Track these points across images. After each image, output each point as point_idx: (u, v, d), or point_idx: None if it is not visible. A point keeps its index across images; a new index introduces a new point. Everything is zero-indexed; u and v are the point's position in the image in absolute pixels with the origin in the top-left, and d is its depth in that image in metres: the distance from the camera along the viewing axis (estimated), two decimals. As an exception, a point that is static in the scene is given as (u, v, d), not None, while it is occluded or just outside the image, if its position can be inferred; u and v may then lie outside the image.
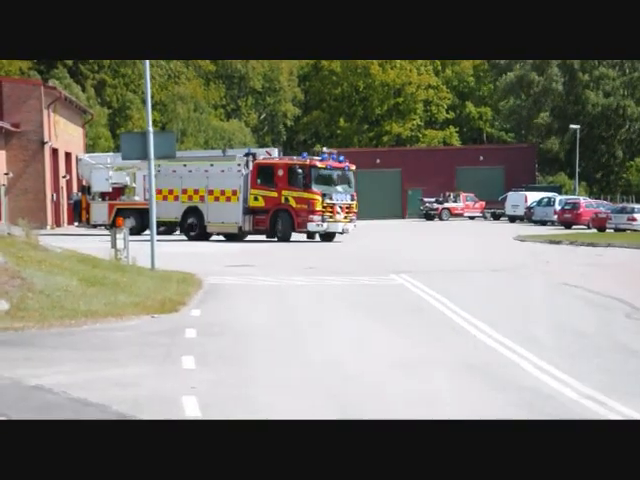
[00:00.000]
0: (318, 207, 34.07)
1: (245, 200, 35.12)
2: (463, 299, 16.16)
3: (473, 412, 8.41)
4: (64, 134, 49.62)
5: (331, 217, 34.28)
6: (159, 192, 36.47)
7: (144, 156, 20.48)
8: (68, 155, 51.45)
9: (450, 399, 8.90)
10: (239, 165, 35.70)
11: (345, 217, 34.84)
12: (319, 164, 34.73)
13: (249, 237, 36.50)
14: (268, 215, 34.77)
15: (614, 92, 70.82)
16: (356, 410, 8.43)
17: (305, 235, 35.46)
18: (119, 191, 41.89)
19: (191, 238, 35.95)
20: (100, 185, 41.76)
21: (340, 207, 34.69)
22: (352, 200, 35.67)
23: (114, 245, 21.56)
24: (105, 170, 42.02)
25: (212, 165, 36.28)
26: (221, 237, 36.85)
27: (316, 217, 34.00)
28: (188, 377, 9.70)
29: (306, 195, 34.21)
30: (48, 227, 43.34)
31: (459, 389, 9.34)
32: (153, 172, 20.84)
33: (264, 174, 34.92)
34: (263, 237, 35.61)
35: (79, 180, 54.60)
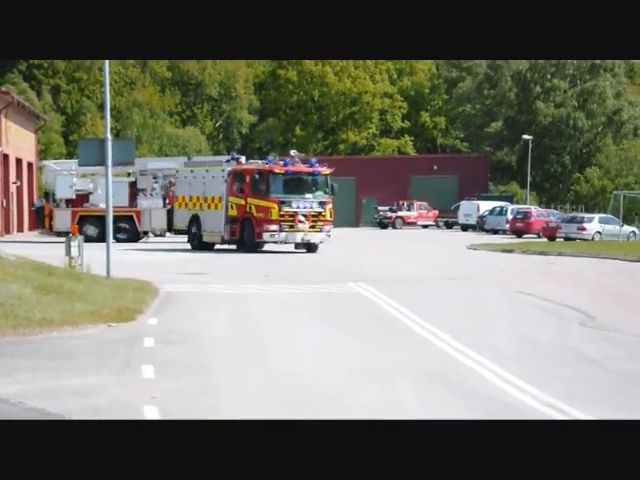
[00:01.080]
0: (274, 216, 31.62)
1: (226, 208, 33.51)
2: (421, 307, 16.21)
3: (433, 418, 8.43)
4: (16, 140, 49.06)
5: (291, 227, 31.76)
6: (177, 199, 37.20)
7: (102, 162, 20.25)
8: (19, 161, 50.89)
9: (412, 407, 8.91)
10: (223, 171, 34.20)
11: (313, 226, 32.10)
12: (277, 169, 32.27)
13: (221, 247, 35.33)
14: (238, 224, 32.96)
15: (565, 103, 71.69)
16: (317, 417, 8.41)
17: (292, 246, 33.25)
18: (83, 198, 41.39)
19: (194, 248, 34.60)
20: (64, 192, 41.17)
21: (304, 215, 31.96)
22: (322, 207, 32.45)
23: (68, 253, 21.29)
24: (69, 176, 41.40)
25: (207, 171, 35.19)
26: (224, 247, 35.03)
27: (272, 227, 31.65)
28: (148, 386, 9.61)
29: (263, 203, 31.96)
30: (-2, 233, 42.84)
31: (421, 397, 9.36)
32: (110, 180, 20.56)
33: (238, 181, 33.11)
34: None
35: (31, 186, 54.08)
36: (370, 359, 11.52)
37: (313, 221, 32.11)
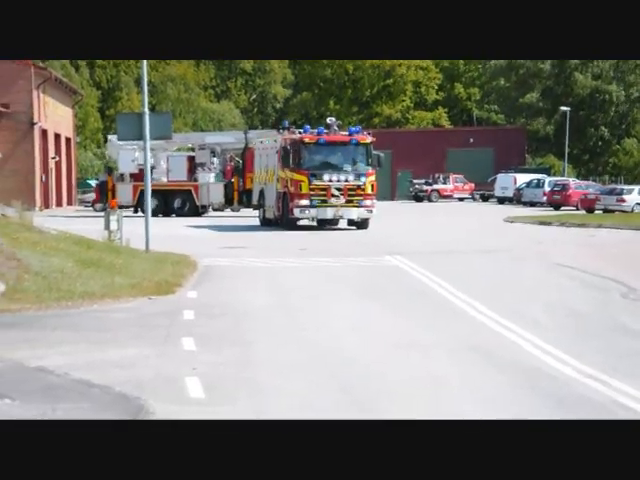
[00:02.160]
0: (304, 190, 29.38)
1: (276, 182, 31.77)
2: (459, 280, 16.16)
3: (477, 393, 8.44)
4: (54, 115, 49.40)
5: (324, 201, 29.44)
6: (252, 173, 36.16)
7: (140, 137, 20.39)
8: (57, 136, 51.27)
9: (454, 381, 8.91)
10: (275, 142, 32.40)
11: (350, 201, 29.51)
12: (307, 139, 29.82)
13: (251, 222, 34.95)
14: (280, 200, 31.07)
15: (602, 75, 70.86)
16: (359, 392, 8.44)
17: (345, 222, 30.99)
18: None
19: (261, 224, 33.31)
20: (126, 166, 41.28)
21: (338, 189, 29.46)
22: (360, 180, 29.73)
23: (108, 227, 21.46)
24: (132, 151, 41.21)
25: (268, 142, 33.85)
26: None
27: (302, 202, 29.45)
28: (189, 358, 9.68)
29: (295, 176, 29.75)
30: (37, 209, 43.21)
31: (463, 372, 9.34)
32: (149, 153, 20.70)
33: (283, 153, 30.63)
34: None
35: (69, 161, 54.37)
36: (410, 332, 11.51)
37: (350, 195, 29.42)
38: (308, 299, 14.49)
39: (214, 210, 41.03)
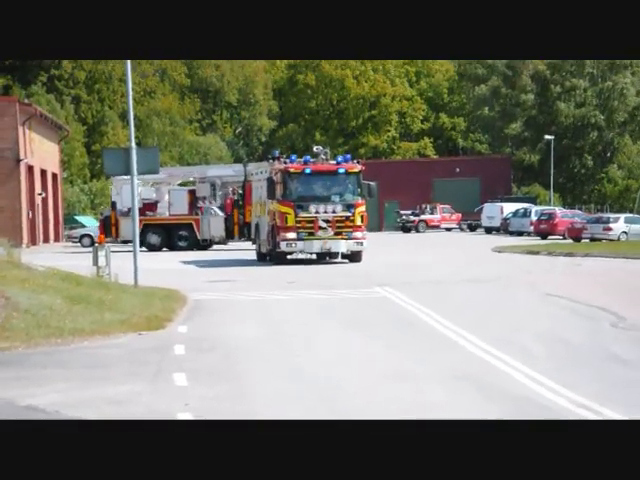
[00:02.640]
0: (290, 222, 28.04)
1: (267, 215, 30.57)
2: (450, 310, 16.18)
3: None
4: (40, 151, 49.38)
5: (311, 234, 28.13)
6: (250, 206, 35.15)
7: (127, 171, 20.38)
8: (44, 172, 51.22)
9: (444, 410, 8.90)
10: (265, 172, 31.08)
11: (338, 233, 28.17)
12: (292, 169, 28.49)
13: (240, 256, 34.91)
14: (269, 233, 29.85)
15: (586, 103, 71.36)
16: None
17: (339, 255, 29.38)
18: (149, 207, 41.51)
19: (257, 258, 31.86)
20: (129, 200, 41.31)
21: (326, 221, 28.12)
22: (349, 211, 28.35)
23: (96, 262, 21.42)
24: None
25: (261, 173, 32.33)
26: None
27: (289, 235, 28.06)
28: (182, 394, 9.66)
29: (281, 208, 28.39)
30: (24, 245, 43.03)
31: (454, 401, 9.34)
32: (136, 188, 20.69)
33: (269, 184, 29.28)
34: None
35: (56, 197, 54.21)
36: (400, 362, 11.51)
37: (338, 227, 28.11)
38: (298, 332, 14.48)
39: (215, 244, 40.87)
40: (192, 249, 39.35)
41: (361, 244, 28.65)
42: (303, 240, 28.17)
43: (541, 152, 71.59)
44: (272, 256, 29.58)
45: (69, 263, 25.52)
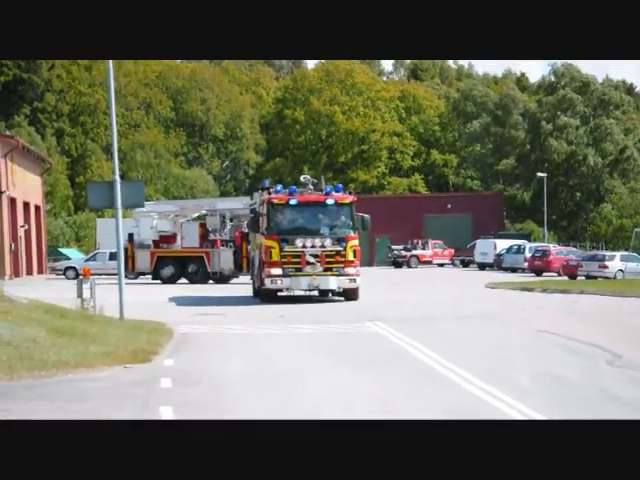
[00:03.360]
0: (274, 257, 25.96)
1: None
2: (442, 347, 15.90)
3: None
4: (22, 183, 49.11)
5: (298, 269, 26.04)
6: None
7: (111, 204, 20.18)
8: (26, 204, 50.99)
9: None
10: (255, 203, 30.03)
11: (328, 269, 26.12)
12: (276, 200, 26.54)
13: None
14: (258, 268, 28.19)
15: (577, 141, 71.65)
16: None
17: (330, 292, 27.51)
18: (166, 239, 41.37)
19: (254, 294, 29.98)
20: (146, 233, 41.49)
21: (314, 255, 26.06)
22: (340, 245, 26.32)
23: (80, 294, 21.17)
24: (150, 218, 41.81)
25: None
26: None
27: (273, 271, 25.97)
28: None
29: (265, 242, 26.49)
30: (6, 277, 42.62)
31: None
32: (121, 222, 20.44)
33: (253, 216, 28.56)
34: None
35: (39, 229, 53.83)
36: (392, 397, 11.25)
37: (328, 262, 26.03)
38: (286, 366, 14.25)
39: (226, 277, 40.19)
40: (201, 282, 38.95)
41: (354, 280, 26.39)
42: (289, 276, 25.94)
43: (533, 189, 71.72)
44: (259, 293, 27.79)
45: (53, 295, 25.24)
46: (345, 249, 26.22)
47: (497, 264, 53.36)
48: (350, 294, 26.87)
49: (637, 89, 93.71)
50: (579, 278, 41.76)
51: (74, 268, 44.92)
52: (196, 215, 45.73)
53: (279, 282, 26.01)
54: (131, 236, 41.40)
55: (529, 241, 57.69)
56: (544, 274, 46.03)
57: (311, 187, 27.53)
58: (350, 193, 28.10)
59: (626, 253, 45.59)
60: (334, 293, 27.32)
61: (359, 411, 10.37)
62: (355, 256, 26.47)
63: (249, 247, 35.81)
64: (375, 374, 13.26)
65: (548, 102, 72.82)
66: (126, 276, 37.42)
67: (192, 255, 39.97)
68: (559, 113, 72.54)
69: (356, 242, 26.58)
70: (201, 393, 11.61)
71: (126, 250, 40.73)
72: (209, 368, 13.83)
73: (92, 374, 13.12)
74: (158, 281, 39.91)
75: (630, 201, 62.38)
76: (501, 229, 67.85)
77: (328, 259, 26.03)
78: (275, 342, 17.46)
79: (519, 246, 52.16)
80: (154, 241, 41.23)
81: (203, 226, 41.09)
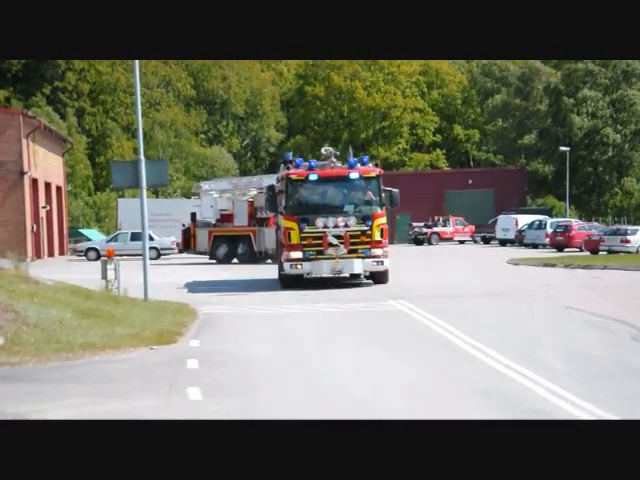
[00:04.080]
0: (294, 240, 23.72)
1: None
2: (468, 325, 15.89)
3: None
4: (44, 164, 49.19)
5: (319, 252, 23.72)
6: None
7: (136, 184, 20.25)
8: (48, 185, 51.07)
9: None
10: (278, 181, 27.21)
11: (353, 250, 23.81)
12: (295, 175, 24.15)
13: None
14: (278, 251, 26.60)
15: (597, 114, 71.04)
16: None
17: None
18: (227, 217, 40.58)
19: (279, 279, 26.95)
20: (207, 212, 41.16)
21: (337, 236, 23.71)
22: (366, 224, 23.95)
23: (105, 276, 21.28)
24: (210, 197, 41.43)
25: None
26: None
27: (293, 254, 23.74)
28: (197, 408, 9.45)
29: (284, 223, 24.38)
30: (28, 259, 42.83)
31: (476, 416, 9.05)
32: (145, 201, 20.50)
33: (271, 195, 25.94)
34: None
35: (60, 210, 53.94)
36: (421, 378, 11.26)
37: (352, 244, 23.72)
38: (311, 345, 14.31)
39: (270, 255, 38.33)
40: (249, 262, 38.22)
41: (381, 263, 24.02)
42: (310, 260, 23.71)
43: (555, 163, 71.26)
44: (280, 278, 25.63)
45: (76, 277, 25.38)
46: (371, 228, 23.81)
47: (519, 240, 53.16)
48: (378, 277, 24.78)
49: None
50: (601, 253, 41.54)
51: (95, 249, 44.96)
52: (252, 192, 43.64)
53: (299, 267, 23.76)
54: (193, 215, 40.90)
55: (550, 216, 57.37)
56: (566, 249, 45.80)
57: (334, 160, 25.07)
58: (377, 165, 25.65)
59: (649, 227, 45.32)
60: (366, 277, 25.34)
61: (387, 391, 10.41)
62: (382, 236, 24.08)
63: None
64: (401, 354, 13.26)
65: (570, 74, 72.23)
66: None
67: (241, 234, 39.30)
68: (581, 85, 71.93)
69: (383, 220, 24.22)
70: (228, 374, 11.66)
71: (188, 230, 40.55)
72: (234, 349, 13.90)
73: (118, 355, 13.21)
74: (213, 261, 39.15)
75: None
76: (523, 204, 67.47)
77: (353, 240, 23.72)
78: (299, 322, 17.47)
79: (540, 222, 51.89)
80: (217, 220, 40.60)
81: (252, 204, 40.09)
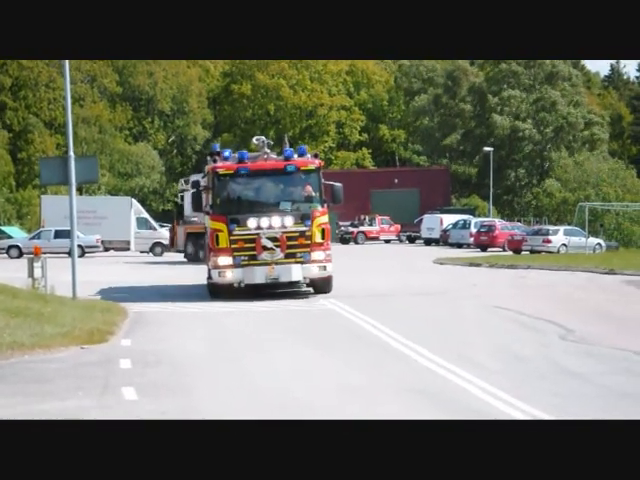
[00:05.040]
0: (222, 243, 20.60)
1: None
2: (397, 323, 16.03)
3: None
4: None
5: (252, 257, 20.54)
6: None
7: (65, 181, 19.96)
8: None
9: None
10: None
11: (291, 254, 20.71)
12: (221, 169, 21.08)
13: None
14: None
15: (520, 114, 72.23)
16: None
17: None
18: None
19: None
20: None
21: (272, 239, 20.55)
22: (305, 224, 20.85)
23: (31, 274, 20.94)
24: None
25: None
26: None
27: (220, 260, 20.60)
28: (133, 408, 9.37)
29: (210, 224, 21.33)
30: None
31: (411, 415, 9.15)
32: (75, 198, 20.14)
33: (195, 191, 22.93)
34: None
35: None
36: (352, 377, 11.32)
37: (290, 247, 20.69)
38: (244, 344, 14.32)
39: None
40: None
41: (324, 268, 21.11)
42: (241, 266, 20.55)
43: (479, 164, 72.28)
44: (208, 287, 22.17)
45: (1, 275, 24.88)
46: (311, 228, 20.84)
47: (444, 240, 53.75)
48: (320, 285, 21.65)
49: (587, 68, 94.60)
50: (523, 253, 42.27)
51: (17, 247, 44.14)
52: None
53: (228, 274, 20.61)
54: (180, 213, 39.22)
55: (474, 216, 58.13)
56: (489, 249, 46.50)
57: (267, 151, 21.99)
58: (316, 156, 22.37)
59: (569, 227, 46.31)
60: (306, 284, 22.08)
61: (321, 389, 10.47)
62: (324, 237, 21.10)
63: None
64: (335, 352, 13.32)
65: (495, 75, 73.31)
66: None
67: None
68: (505, 86, 73.06)
69: (325, 219, 21.26)
70: (162, 373, 11.60)
71: (172, 228, 39.22)
72: (167, 347, 13.82)
73: (49, 355, 13.01)
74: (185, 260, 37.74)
75: (576, 173, 62.97)
76: (447, 204, 68.28)
77: (290, 242, 20.69)
78: (231, 320, 17.48)
79: (465, 221, 52.57)
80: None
81: None
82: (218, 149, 22.69)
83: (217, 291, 21.41)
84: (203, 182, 23.57)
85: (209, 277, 21.61)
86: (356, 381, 11.00)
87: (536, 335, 15.00)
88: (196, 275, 25.85)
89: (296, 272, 20.79)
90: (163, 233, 47.17)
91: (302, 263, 20.79)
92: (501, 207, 72.33)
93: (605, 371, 11.96)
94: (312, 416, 9.05)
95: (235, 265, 20.59)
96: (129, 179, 75.41)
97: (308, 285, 21.99)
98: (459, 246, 50.45)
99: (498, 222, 51.43)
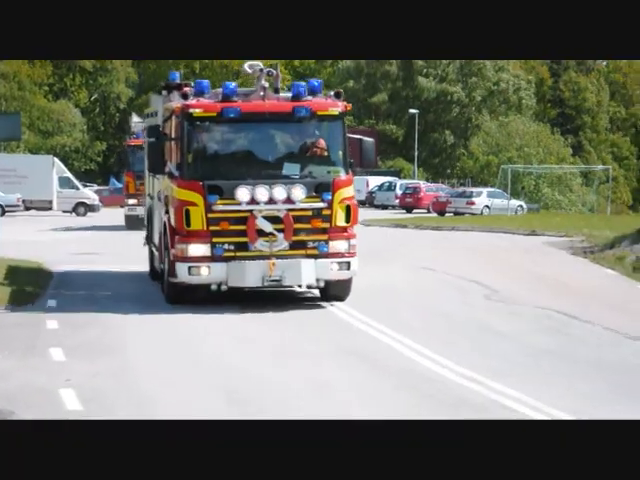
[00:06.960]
0: (195, 224, 13.47)
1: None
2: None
3: (364, 397, 8.40)
4: None
5: (240, 246, 13.43)
6: None
7: (-15, 138, 19.48)
8: None
9: (340, 386, 8.84)
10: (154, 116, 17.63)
11: (299, 242, 13.55)
12: (198, 110, 13.80)
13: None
14: (161, 238, 15.32)
15: (447, 78, 72.66)
16: (246, 396, 8.36)
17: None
18: None
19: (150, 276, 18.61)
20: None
21: (272, 219, 13.43)
22: (322, 198, 13.59)
23: (-46, 234, 20.41)
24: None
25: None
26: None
27: (192, 249, 13.42)
28: (61, 369, 9.33)
29: (178, 193, 13.78)
30: None
31: (346, 376, 9.28)
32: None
33: (155, 141, 15.07)
34: None
35: None
36: (288, 341, 11.36)
37: (298, 231, 13.61)
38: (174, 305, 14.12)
39: None
40: None
41: (347, 266, 13.78)
42: (224, 260, 13.42)
43: (405, 126, 72.60)
44: (166, 289, 14.47)
45: None
46: (331, 205, 13.70)
47: (369, 201, 54.00)
48: (335, 291, 14.25)
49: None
50: (448, 215, 42.79)
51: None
52: None
53: (204, 271, 13.42)
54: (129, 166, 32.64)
55: (399, 178, 58.49)
56: (414, 211, 46.94)
57: (265, 85, 14.32)
58: (338, 96, 14.56)
59: (492, 189, 47.00)
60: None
61: (260, 354, 10.49)
62: (350, 218, 13.90)
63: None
64: (266, 319, 12.96)
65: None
66: None
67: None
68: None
69: (351, 191, 14.16)
70: (90, 334, 11.52)
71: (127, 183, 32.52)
72: (94, 308, 13.59)
73: (-28, 316, 12.80)
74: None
75: (500, 136, 63.59)
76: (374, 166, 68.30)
77: (299, 225, 13.62)
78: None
79: (390, 183, 52.92)
80: None
81: None
82: (178, 79, 15.87)
83: (181, 296, 13.98)
84: (166, 129, 15.32)
85: (170, 274, 13.93)
86: (289, 346, 11.00)
87: (461, 295, 15.24)
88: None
89: (307, 271, 13.57)
90: (86, 193, 46.63)
91: (316, 257, 13.65)
92: (427, 169, 72.87)
93: (528, 329, 12.32)
94: (243, 378, 9.11)
95: (214, 257, 13.41)
96: (50, 137, 73.89)
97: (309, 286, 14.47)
98: (384, 207, 50.75)
99: (423, 184, 51.86)
